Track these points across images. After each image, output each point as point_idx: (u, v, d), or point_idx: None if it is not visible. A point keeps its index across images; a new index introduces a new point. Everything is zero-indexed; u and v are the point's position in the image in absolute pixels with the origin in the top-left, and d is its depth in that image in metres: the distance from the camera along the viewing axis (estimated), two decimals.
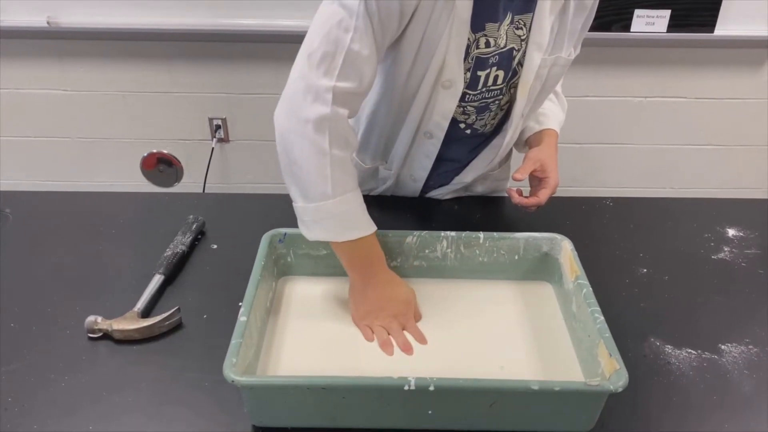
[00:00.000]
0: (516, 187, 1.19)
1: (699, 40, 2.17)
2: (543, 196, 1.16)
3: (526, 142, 1.27)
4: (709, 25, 2.14)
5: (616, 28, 2.13)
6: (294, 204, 0.99)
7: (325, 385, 0.79)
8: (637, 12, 2.11)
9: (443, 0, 0.99)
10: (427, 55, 1.05)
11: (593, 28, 2.06)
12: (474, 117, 1.18)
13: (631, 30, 2.14)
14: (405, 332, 0.98)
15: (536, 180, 1.20)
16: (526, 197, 1.17)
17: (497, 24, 1.05)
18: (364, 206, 0.99)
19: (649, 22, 2.13)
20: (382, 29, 0.98)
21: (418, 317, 1.01)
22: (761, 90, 2.33)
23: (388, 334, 0.97)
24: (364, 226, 0.98)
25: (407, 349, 0.95)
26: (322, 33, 0.96)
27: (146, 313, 1.01)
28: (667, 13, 2.11)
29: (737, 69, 2.28)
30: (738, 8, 2.13)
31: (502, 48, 1.08)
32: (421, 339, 0.97)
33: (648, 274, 1.14)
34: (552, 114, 1.28)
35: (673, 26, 2.14)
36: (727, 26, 2.15)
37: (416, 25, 1.02)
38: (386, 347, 0.95)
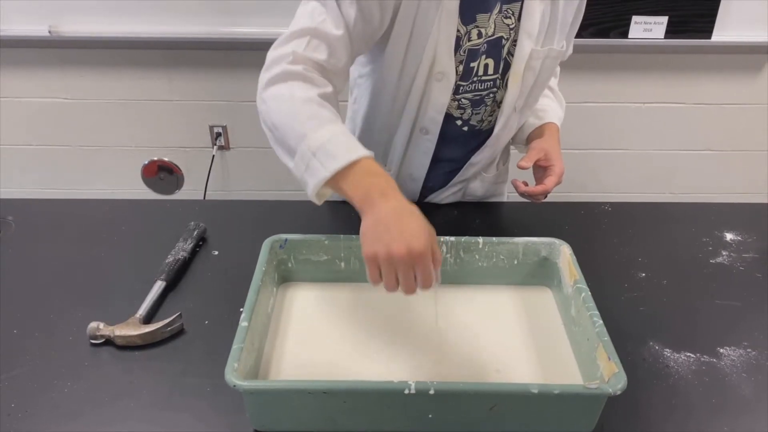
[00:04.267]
0: (522, 180, 1.20)
1: (696, 46, 2.19)
2: (550, 183, 1.17)
3: (527, 139, 1.28)
4: (706, 31, 2.16)
5: (614, 35, 2.15)
6: (292, 172, 0.92)
7: (326, 389, 0.79)
8: (635, 18, 2.12)
9: None
10: (418, 49, 1.07)
11: (591, 35, 2.11)
12: (469, 111, 1.19)
13: (629, 36, 2.16)
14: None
15: (541, 170, 1.21)
16: (531, 187, 1.18)
17: (488, 14, 1.07)
18: (348, 135, 0.89)
19: (647, 29, 2.14)
20: (362, 15, 0.98)
21: (437, 259, 0.84)
22: (759, 95, 2.34)
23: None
24: (349, 150, 0.86)
25: (410, 291, 0.82)
26: (294, 23, 1.00)
27: (148, 319, 1.01)
28: (664, 19, 2.13)
29: (735, 75, 2.30)
30: (735, 14, 2.15)
31: (490, 36, 1.09)
32: (427, 281, 0.82)
33: (647, 278, 1.15)
34: (551, 110, 1.30)
35: (670, 32, 2.15)
36: (724, 32, 2.17)
37: (404, 18, 1.03)
38: (390, 290, 0.83)
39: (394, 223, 0.81)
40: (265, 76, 0.97)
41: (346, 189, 0.86)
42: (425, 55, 1.07)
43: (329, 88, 0.95)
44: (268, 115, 0.93)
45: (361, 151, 0.87)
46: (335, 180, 0.86)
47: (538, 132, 1.26)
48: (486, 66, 1.13)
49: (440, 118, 1.17)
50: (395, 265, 0.80)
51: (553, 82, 1.34)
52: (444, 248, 1.05)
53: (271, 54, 0.99)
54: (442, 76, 1.10)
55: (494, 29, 1.09)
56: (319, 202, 0.92)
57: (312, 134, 0.87)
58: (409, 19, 1.03)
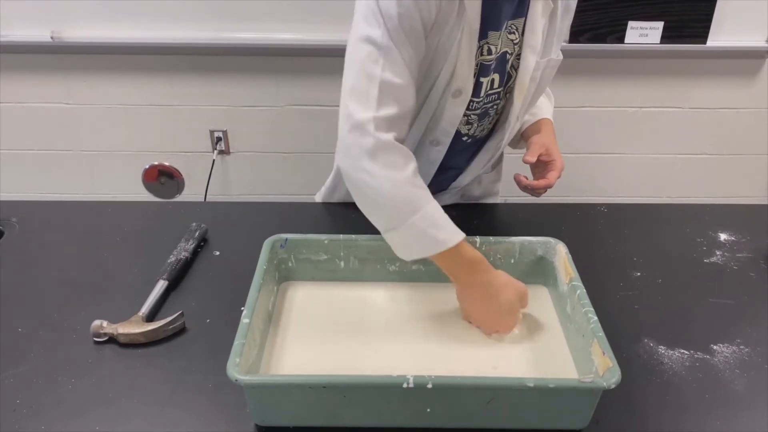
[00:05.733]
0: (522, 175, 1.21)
1: (692, 51, 2.21)
2: (552, 178, 1.19)
3: (522, 136, 1.30)
4: (702, 36, 2.18)
5: (610, 40, 2.17)
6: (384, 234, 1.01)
7: (326, 383, 0.81)
8: (631, 24, 2.15)
9: (455, 13, 1.02)
10: (437, 66, 1.08)
11: (588, 40, 2.14)
12: (476, 125, 1.21)
13: (625, 41, 2.18)
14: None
15: (541, 164, 1.22)
16: (534, 181, 1.20)
17: (498, 32, 1.09)
18: (439, 220, 0.98)
19: (643, 34, 2.17)
20: (414, 51, 1.01)
21: (526, 305, 1.01)
22: (754, 100, 2.36)
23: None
24: (453, 233, 0.97)
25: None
26: (354, 70, 1.00)
27: (151, 317, 1.03)
28: (660, 24, 2.15)
29: (730, 79, 2.32)
30: (730, 19, 2.17)
31: (498, 53, 1.11)
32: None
33: (642, 277, 1.16)
34: (544, 106, 1.32)
35: (666, 37, 2.17)
36: (719, 37, 2.19)
37: (431, 38, 1.04)
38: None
39: (486, 311, 1.00)
40: (354, 146, 0.98)
41: (440, 264, 1.00)
42: (444, 71, 1.08)
43: (413, 161, 1.01)
44: (361, 186, 0.98)
45: (458, 236, 0.97)
46: (435, 257, 0.97)
47: (535, 128, 1.28)
48: (492, 81, 1.15)
49: (452, 131, 1.19)
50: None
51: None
52: None
53: (349, 115, 0.99)
54: (460, 93, 1.11)
55: (501, 46, 1.11)
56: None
57: (413, 218, 0.96)
58: (434, 40, 1.05)
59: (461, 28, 1.04)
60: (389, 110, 0.99)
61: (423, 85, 1.11)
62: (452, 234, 0.97)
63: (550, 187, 1.19)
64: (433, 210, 0.98)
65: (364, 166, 0.97)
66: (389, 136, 0.98)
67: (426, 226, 0.96)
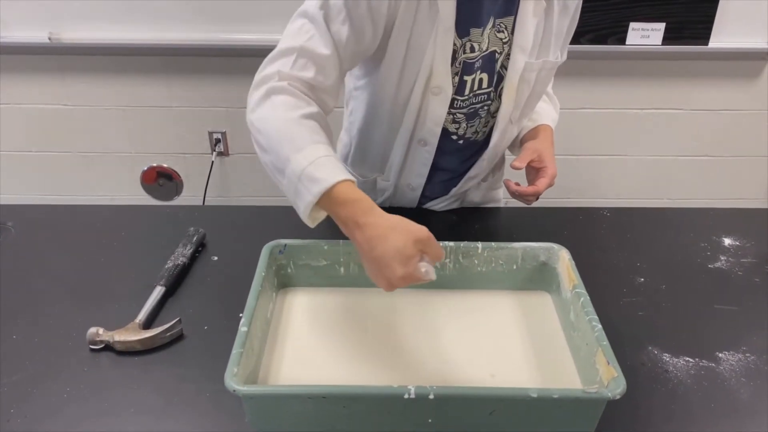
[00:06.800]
0: (514, 181, 1.20)
1: (693, 52, 2.20)
2: (542, 185, 1.16)
3: (521, 141, 1.28)
4: (703, 37, 2.17)
5: (611, 41, 2.16)
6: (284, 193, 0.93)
7: (326, 394, 0.79)
8: (632, 25, 2.14)
9: (426, 8, 1.01)
10: (414, 64, 1.07)
11: (589, 41, 2.12)
12: (464, 125, 1.19)
13: (627, 43, 2.17)
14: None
15: (533, 171, 1.20)
16: (522, 187, 1.18)
17: (480, 29, 1.07)
18: (329, 157, 0.89)
19: (644, 35, 2.16)
20: (354, 33, 0.99)
21: (437, 256, 0.86)
22: (756, 101, 2.35)
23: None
24: (319, 178, 0.86)
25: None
26: (283, 39, 1.01)
27: (147, 324, 1.01)
28: (661, 26, 2.14)
29: (732, 81, 2.31)
30: (732, 21, 2.16)
31: (484, 51, 1.10)
32: (416, 282, 0.84)
33: (645, 283, 1.15)
34: (545, 112, 1.29)
35: (667, 39, 2.16)
36: (721, 39, 2.18)
37: (399, 34, 1.04)
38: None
39: (371, 259, 0.84)
40: (252, 97, 0.98)
41: (333, 216, 0.90)
42: (422, 69, 1.07)
43: (313, 108, 0.95)
44: (257, 137, 0.95)
45: (341, 175, 0.87)
46: (322, 203, 0.88)
47: (533, 133, 1.26)
48: (480, 81, 1.13)
49: (438, 130, 1.17)
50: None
51: (549, 86, 1.34)
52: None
53: (258, 75, 1.00)
54: (439, 90, 1.10)
55: (488, 44, 1.10)
56: (312, 224, 0.93)
57: (294, 158, 0.88)
58: (404, 36, 1.04)
59: (435, 25, 1.03)
60: (303, 73, 0.97)
61: (404, 81, 1.10)
62: (334, 172, 0.86)
63: (538, 194, 1.16)
64: (317, 150, 0.89)
65: (257, 112, 0.95)
66: (284, 83, 0.96)
67: (306, 165, 0.87)
